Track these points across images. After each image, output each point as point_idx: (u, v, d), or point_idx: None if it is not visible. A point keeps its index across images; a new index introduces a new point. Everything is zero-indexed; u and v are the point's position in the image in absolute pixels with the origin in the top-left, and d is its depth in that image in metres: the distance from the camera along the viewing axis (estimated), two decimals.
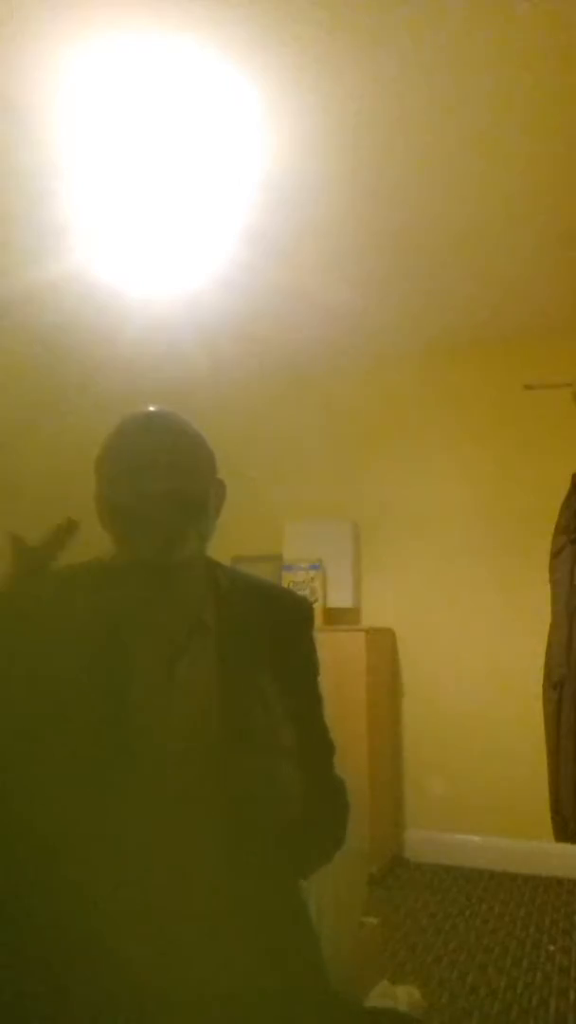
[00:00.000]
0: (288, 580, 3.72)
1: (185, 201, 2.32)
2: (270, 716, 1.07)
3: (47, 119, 1.96)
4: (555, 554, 3.23)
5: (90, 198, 2.29)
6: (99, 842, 0.91)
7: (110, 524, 1.04)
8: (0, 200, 2.30)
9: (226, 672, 1.05)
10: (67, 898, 0.91)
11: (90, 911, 0.90)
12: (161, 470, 1.02)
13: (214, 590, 1.10)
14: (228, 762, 0.99)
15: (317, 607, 3.68)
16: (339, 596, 3.75)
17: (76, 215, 2.36)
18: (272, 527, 3.90)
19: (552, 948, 2.65)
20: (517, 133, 2.09)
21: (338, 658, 3.27)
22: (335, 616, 3.73)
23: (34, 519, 0.94)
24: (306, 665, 1.19)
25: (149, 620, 1.04)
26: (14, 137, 2.02)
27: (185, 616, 1.06)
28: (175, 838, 0.94)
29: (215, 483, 1.11)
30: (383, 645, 3.62)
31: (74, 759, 0.92)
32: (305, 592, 3.67)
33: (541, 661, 3.19)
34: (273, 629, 1.14)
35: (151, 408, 1.11)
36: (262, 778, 1.04)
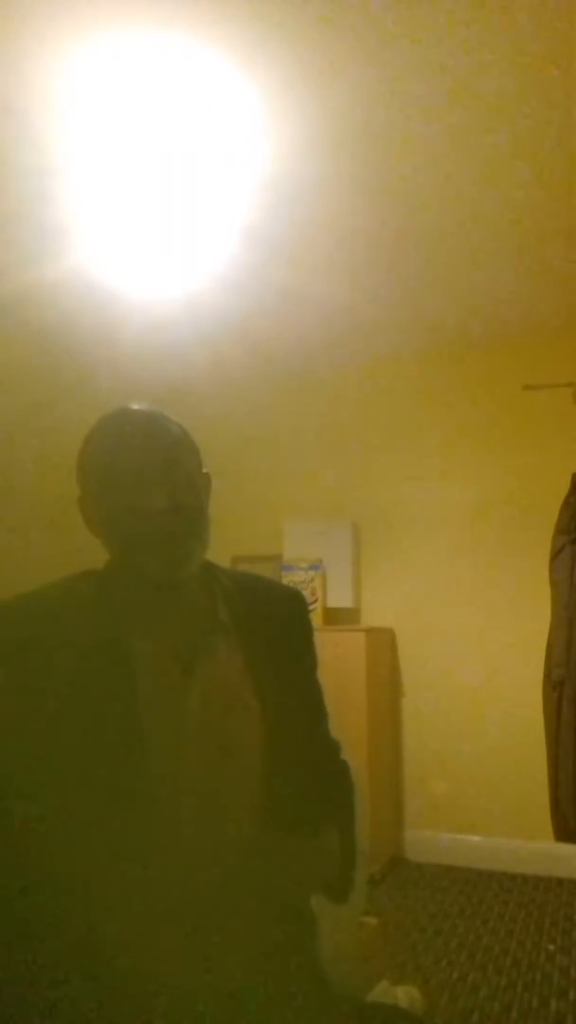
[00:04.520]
0: (288, 580, 3.72)
1: (185, 201, 2.32)
2: (291, 712, 1.06)
3: (47, 119, 1.96)
4: (555, 554, 3.23)
5: (90, 198, 2.29)
6: (111, 841, 0.89)
7: (106, 538, 1.00)
8: (0, 200, 2.30)
9: (254, 668, 1.04)
10: (78, 898, 0.89)
11: (97, 908, 0.89)
12: (157, 482, 0.97)
13: (221, 590, 1.08)
14: (272, 758, 0.99)
15: (317, 607, 3.68)
16: (339, 596, 3.75)
17: (76, 215, 2.36)
18: (272, 527, 3.90)
19: (552, 948, 2.64)
20: (517, 133, 2.09)
21: (338, 658, 3.27)
22: (335, 616, 3.73)
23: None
24: (310, 658, 1.18)
25: (156, 627, 1.01)
26: (14, 137, 2.02)
27: (197, 619, 1.04)
28: (189, 833, 0.93)
29: (204, 479, 1.07)
30: (383, 645, 3.62)
31: (80, 766, 0.90)
32: (305, 592, 3.66)
33: (541, 661, 3.19)
34: (281, 624, 1.12)
35: (132, 407, 1.04)
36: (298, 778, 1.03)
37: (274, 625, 1.10)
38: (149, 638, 0.99)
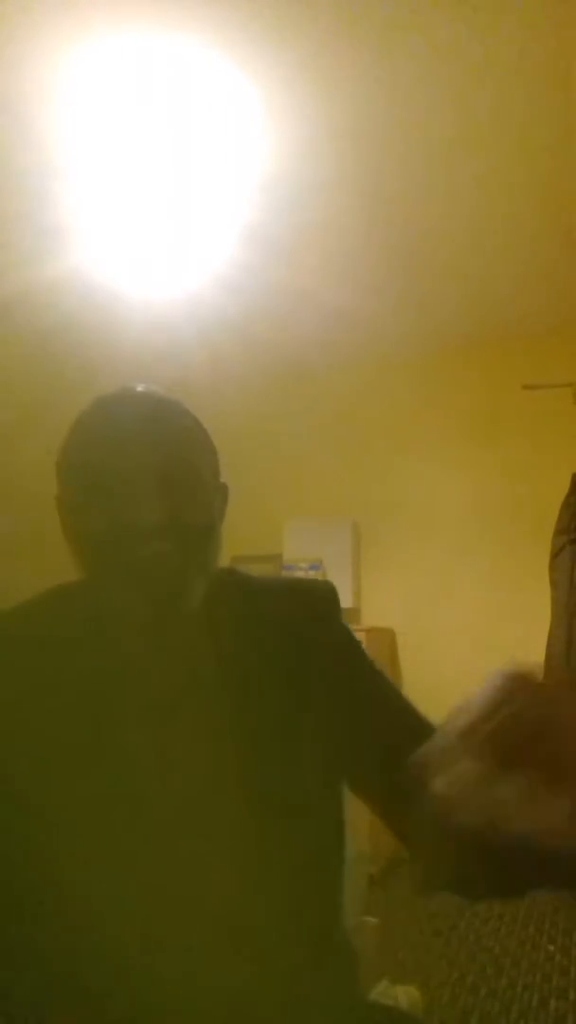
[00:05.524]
0: None
1: (185, 201, 2.32)
2: (315, 759, 0.84)
3: (47, 119, 1.95)
4: (555, 554, 3.23)
5: (90, 198, 2.29)
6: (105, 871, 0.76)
7: (82, 559, 0.78)
8: (0, 200, 2.30)
9: (242, 726, 0.81)
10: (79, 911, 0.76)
11: (103, 919, 0.76)
12: (153, 491, 0.74)
13: (209, 625, 0.83)
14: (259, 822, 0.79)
15: None
16: (339, 596, 3.75)
17: (76, 215, 2.36)
18: (272, 527, 3.90)
19: (552, 948, 2.64)
20: (517, 134, 2.09)
21: None
22: None
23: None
24: (356, 649, 0.97)
25: (139, 674, 0.80)
26: (14, 137, 2.02)
27: (178, 669, 0.82)
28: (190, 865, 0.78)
29: (219, 490, 0.85)
30: (383, 645, 3.62)
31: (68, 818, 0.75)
32: None
33: (541, 661, 3.19)
34: (300, 632, 0.90)
35: (135, 389, 0.82)
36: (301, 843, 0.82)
37: (288, 642, 0.87)
38: (131, 687, 0.80)
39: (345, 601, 3.83)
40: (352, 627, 1.04)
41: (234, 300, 2.95)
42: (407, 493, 3.74)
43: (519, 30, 1.72)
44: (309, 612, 0.94)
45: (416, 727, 0.89)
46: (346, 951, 0.90)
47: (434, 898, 3.06)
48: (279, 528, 3.90)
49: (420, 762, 0.53)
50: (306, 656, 0.87)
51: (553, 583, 3.22)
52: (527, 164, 2.23)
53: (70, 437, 0.80)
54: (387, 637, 3.68)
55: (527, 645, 3.29)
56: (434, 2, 1.63)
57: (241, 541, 3.82)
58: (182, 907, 0.77)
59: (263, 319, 3.19)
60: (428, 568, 3.68)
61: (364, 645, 1.03)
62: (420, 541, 3.70)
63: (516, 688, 0.51)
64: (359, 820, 1.03)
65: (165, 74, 1.82)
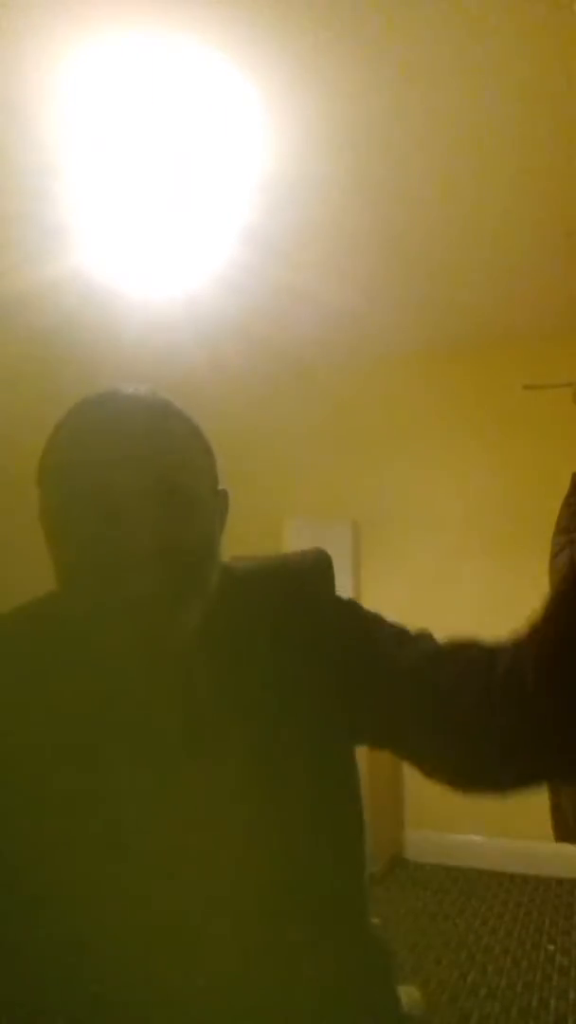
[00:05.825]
0: None
1: (185, 201, 2.32)
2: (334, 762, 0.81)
3: (47, 119, 1.95)
4: (555, 554, 3.23)
5: (90, 198, 2.29)
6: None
7: (66, 580, 0.71)
8: (0, 200, 2.30)
9: (246, 738, 0.75)
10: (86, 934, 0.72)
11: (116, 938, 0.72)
12: (145, 512, 0.67)
13: (204, 637, 0.76)
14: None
15: None
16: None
17: (76, 215, 2.36)
18: (272, 526, 3.89)
19: (552, 948, 2.64)
20: (517, 133, 2.09)
21: None
22: None
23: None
24: (354, 613, 0.92)
25: (129, 712, 0.74)
26: (14, 137, 2.02)
27: (175, 684, 0.75)
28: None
29: (218, 499, 0.80)
30: None
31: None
32: None
33: None
34: (296, 622, 0.85)
35: (124, 391, 0.74)
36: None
37: (277, 670, 0.79)
38: (126, 705, 0.73)
39: None
40: None
41: (234, 300, 2.95)
42: (407, 493, 3.74)
43: (519, 30, 1.71)
44: (301, 598, 0.89)
45: (436, 662, 0.84)
46: (375, 951, 0.91)
47: None
48: (279, 528, 3.89)
49: None
50: (305, 645, 0.82)
51: (553, 584, 3.21)
52: (527, 164, 2.23)
53: (52, 444, 0.72)
54: None
55: None
56: (434, 3, 1.62)
57: (241, 541, 3.80)
58: (198, 917, 0.74)
59: (263, 319, 3.19)
60: (428, 568, 3.68)
61: None
62: (420, 541, 3.70)
63: None
64: None
65: (165, 74, 1.82)
